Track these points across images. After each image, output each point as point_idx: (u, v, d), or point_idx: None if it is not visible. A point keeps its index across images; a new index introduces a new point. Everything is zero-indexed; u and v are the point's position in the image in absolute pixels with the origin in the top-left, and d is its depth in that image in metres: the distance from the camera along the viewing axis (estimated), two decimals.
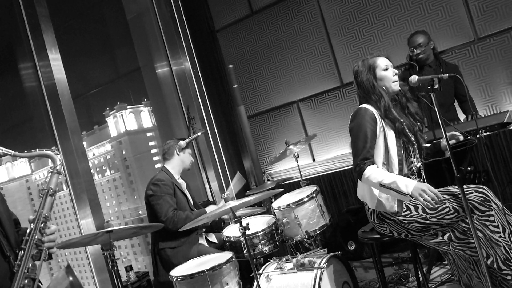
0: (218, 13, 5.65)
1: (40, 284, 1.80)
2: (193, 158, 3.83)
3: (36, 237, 1.80)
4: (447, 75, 2.48)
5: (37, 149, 1.98)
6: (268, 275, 2.92)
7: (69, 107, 3.80)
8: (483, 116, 3.99)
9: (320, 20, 5.02)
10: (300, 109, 5.28)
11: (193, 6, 5.60)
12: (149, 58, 5.62)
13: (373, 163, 2.53)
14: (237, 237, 3.22)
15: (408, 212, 2.55)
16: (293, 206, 3.29)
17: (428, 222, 2.51)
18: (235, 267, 2.84)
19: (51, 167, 1.93)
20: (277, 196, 3.71)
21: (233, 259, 2.85)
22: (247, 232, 2.70)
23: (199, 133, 4.21)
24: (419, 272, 2.99)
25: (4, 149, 1.86)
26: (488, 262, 2.37)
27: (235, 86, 4.90)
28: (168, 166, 3.63)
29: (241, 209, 3.59)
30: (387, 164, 2.60)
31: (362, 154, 2.53)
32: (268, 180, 4.91)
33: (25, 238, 1.79)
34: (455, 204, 2.44)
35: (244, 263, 3.39)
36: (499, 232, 2.38)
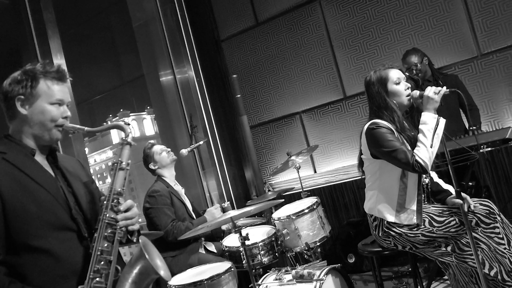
0: (223, 23, 5.69)
1: (118, 268, 1.66)
2: (165, 148, 3.74)
3: (107, 215, 1.65)
4: (448, 90, 2.49)
5: (108, 121, 1.91)
6: (267, 286, 2.90)
7: (73, 113, 3.78)
8: (485, 131, 4.00)
9: (325, 32, 5.05)
10: (302, 121, 5.29)
11: (199, 15, 5.64)
12: (153, 66, 5.65)
13: (413, 153, 2.45)
14: (236, 247, 3.21)
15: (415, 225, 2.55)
16: (294, 217, 3.28)
17: (434, 235, 2.51)
18: (234, 277, 2.83)
19: (121, 138, 1.81)
20: (277, 206, 3.70)
21: (232, 269, 2.84)
22: (247, 243, 2.69)
23: (201, 142, 4.22)
24: (419, 287, 2.97)
25: (76, 126, 1.81)
26: (492, 274, 2.38)
27: (239, 95, 4.92)
28: (162, 175, 3.63)
29: (241, 219, 3.58)
30: (405, 176, 2.58)
31: (406, 156, 2.44)
32: (269, 190, 4.91)
33: (99, 218, 1.66)
34: (461, 217, 2.45)
35: (243, 274, 3.37)
36: (504, 244, 2.42)
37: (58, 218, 1.66)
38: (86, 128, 1.82)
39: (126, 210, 1.73)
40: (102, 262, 1.61)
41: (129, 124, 1.88)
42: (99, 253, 1.61)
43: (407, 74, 3.85)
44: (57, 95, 1.78)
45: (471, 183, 3.45)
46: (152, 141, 3.83)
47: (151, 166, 3.62)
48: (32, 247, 1.59)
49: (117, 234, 1.67)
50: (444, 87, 2.50)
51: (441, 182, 2.76)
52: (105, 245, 1.63)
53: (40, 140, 1.77)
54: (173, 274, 3.04)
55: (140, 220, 1.84)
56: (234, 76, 4.97)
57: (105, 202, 1.69)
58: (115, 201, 1.70)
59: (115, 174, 1.75)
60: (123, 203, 1.72)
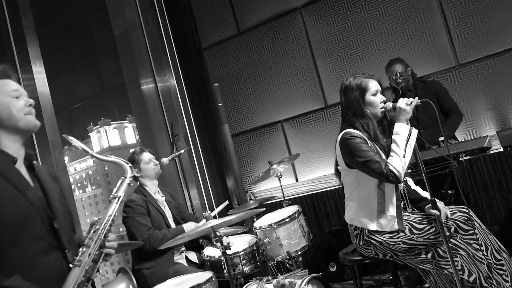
0: (205, 32, 5.69)
1: None
2: (155, 160, 3.68)
3: (102, 238, 1.77)
4: (420, 101, 2.53)
5: (113, 156, 2.10)
6: None
7: (51, 121, 3.75)
8: (463, 140, 4.06)
9: (306, 42, 5.08)
10: (284, 129, 5.31)
11: (181, 24, 5.63)
12: (134, 74, 5.60)
13: (386, 163, 2.48)
14: (217, 257, 3.18)
15: (396, 233, 2.56)
16: (275, 226, 3.27)
17: (414, 242, 2.53)
18: (215, 287, 2.80)
19: (123, 177, 2.00)
20: (259, 215, 3.69)
21: (213, 279, 2.81)
22: (228, 252, 2.67)
23: (183, 151, 4.19)
24: None
25: (80, 144, 1.92)
26: (471, 280, 2.41)
27: (220, 104, 4.91)
28: (143, 184, 3.59)
29: (223, 228, 3.56)
30: (382, 183, 2.59)
31: (380, 166, 2.47)
32: (250, 199, 4.89)
33: (88, 236, 1.77)
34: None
35: (225, 283, 3.34)
36: (482, 251, 2.46)
37: (36, 228, 1.68)
38: (91, 152, 1.99)
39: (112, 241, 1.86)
40: (84, 278, 1.69)
41: (131, 166, 2.05)
42: (87, 268, 1.70)
43: (389, 83, 3.92)
44: (11, 87, 1.79)
45: (450, 191, 3.49)
46: (142, 147, 3.73)
47: (134, 173, 3.54)
48: (8, 255, 1.60)
49: (101, 258, 1.78)
50: (416, 98, 2.55)
51: (418, 189, 2.79)
52: (91, 264, 1.72)
53: (18, 131, 1.78)
54: (148, 287, 2.99)
55: (121, 229, 1.90)
56: (216, 84, 4.96)
57: (102, 225, 1.79)
58: (108, 227, 1.81)
59: (114, 206, 1.87)
60: (112, 234, 1.85)
